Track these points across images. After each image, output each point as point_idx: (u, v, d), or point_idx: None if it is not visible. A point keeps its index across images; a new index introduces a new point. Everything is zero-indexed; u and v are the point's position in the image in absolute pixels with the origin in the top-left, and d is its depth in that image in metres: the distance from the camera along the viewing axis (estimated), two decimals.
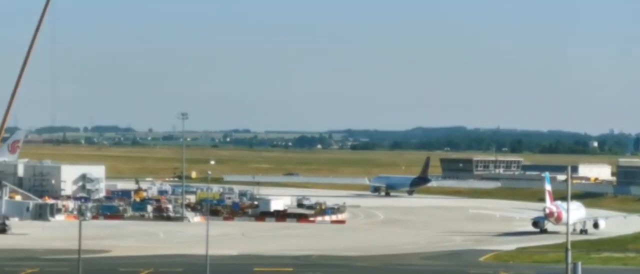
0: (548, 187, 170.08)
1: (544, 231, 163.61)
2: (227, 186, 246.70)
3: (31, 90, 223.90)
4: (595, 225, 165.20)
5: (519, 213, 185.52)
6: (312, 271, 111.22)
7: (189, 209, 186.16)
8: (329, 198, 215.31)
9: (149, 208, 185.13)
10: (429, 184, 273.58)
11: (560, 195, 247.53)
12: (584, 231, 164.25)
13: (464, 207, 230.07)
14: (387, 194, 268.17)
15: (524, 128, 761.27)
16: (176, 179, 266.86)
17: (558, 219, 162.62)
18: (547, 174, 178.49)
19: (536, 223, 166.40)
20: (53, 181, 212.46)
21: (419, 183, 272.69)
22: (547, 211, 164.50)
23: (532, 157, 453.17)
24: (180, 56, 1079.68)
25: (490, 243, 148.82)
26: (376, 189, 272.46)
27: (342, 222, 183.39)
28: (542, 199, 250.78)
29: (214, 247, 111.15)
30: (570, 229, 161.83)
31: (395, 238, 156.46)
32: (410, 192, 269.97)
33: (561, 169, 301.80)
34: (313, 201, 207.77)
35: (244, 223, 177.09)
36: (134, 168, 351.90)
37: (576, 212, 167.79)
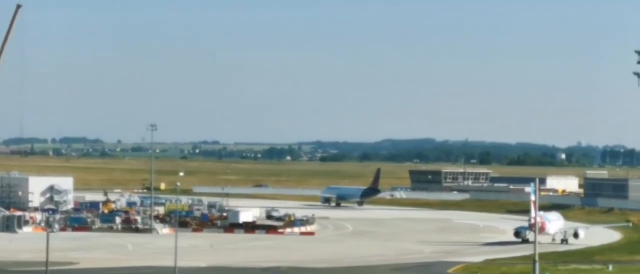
0: (533, 197, 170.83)
1: (525, 241, 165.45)
2: (196, 197, 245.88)
3: None
4: (575, 235, 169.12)
5: (502, 223, 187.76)
6: None
7: (158, 221, 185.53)
8: (282, 209, 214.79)
9: (118, 220, 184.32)
10: (380, 196, 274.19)
11: (527, 206, 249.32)
12: (564, 241, 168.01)
13: (434, 218, 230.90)
14: (338, 205, 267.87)
15: (493, 140, 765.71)
16: (145, 190, 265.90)
17: (541, 230, 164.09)
18: (532, 186, 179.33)
19: (518, 232, 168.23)
20: (20, 193, 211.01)
21: (369, 194, 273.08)
22: (532, 221, 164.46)
23: (500, 169, 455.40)
24: (149, 67, 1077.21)
25: (459, 255, 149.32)
26: (327, 200, 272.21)
27: (311, 234, 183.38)
28: (510, 211, 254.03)
29: (182, 259, 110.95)
30: (551, 239, 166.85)
31: (365, 250, 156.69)
32: (360, 203, 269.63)
33: (529, 181, 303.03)
34: (282, 212, 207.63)
35: (213, 234, 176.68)
36: (102, 180, 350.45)
37: (557, 222, 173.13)
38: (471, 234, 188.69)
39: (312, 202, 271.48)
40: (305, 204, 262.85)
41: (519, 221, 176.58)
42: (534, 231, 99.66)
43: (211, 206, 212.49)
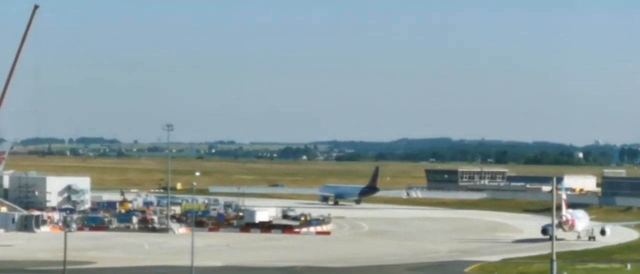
0: (564, 195, 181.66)
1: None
2: (212, 197, 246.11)
3: (17, 102, 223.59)
4: (603, 232, 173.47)
5: (527, 222, 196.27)
6: None
7: (174, 221, 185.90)
8: (280, 208, 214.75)
9: (134, 220, 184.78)
10: (396, 195, 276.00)
11: (545, 206, 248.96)
12: (592, 238, 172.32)
13: (450, 218, 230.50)
14: (336, 203, 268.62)
15: (509, 139, 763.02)
16: (161, 190, 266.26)
17: (571, 227, 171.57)
18: (563, 183, 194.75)
19: (545, 230, 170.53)
20: (38, 193, 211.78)
21: (367, 192, 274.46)
22: (563, 218, 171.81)
23: (517, 168, 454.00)
24: (166, 68, 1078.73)
25: (476, 254, 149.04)
26: (325, 199, 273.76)
27: (327, 233, 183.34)
28: (527, 210, 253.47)
29: (199, 258, 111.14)
30: (577, 237, 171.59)
31: (381, 249, 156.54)
32: (357, 202, 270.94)
33: (546, 180, 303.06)
34: (298, 212, 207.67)
35: (229, 234, 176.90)
36: (119, 180, 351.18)
37: (584, 220, 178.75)
38: (489, 234, 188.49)
39: (311, 200, 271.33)
40: (304, 202, 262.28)
41: (546, 219, 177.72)
42: (552, 230, 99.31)
43: (227, 205, 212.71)
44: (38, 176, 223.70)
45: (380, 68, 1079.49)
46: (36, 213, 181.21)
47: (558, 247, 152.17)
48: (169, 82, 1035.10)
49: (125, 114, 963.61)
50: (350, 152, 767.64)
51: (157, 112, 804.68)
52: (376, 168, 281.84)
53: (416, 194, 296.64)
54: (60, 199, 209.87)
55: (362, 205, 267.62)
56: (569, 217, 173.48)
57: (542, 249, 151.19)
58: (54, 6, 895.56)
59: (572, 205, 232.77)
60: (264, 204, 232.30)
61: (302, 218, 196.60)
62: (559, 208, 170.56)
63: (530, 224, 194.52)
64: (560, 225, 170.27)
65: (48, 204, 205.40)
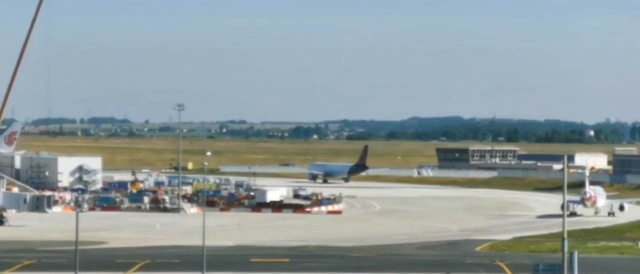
0: (587, 172, 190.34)
1: (573, 214, 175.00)
2: (223, 177, 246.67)
3: (28, 82, 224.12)
4: (621, 208, 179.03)
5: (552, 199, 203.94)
6: (309, 262, 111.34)
7: (186, 201, 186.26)
8: (267, 187, 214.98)
9: (146, 200, 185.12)
10: (407, 174, 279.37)
11: (557, 184, 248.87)
12: (611, 214, 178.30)
13: (460, 197, 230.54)
14: (325, 181, 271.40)
15: (520, 117, 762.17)
16: (173, 170, 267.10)
17: (593, 203, 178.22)
18: (586, 164, 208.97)
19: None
20: (49, 173, 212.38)
21: (356, 171, 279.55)
22: (587, 195, 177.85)
23: (528, 146, 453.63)
24: (176, 47, 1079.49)
25: (487, 233, 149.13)
26: (314, 177, 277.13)
27: (338, 213, 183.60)
28: (538, 189, 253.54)
29: (210, 238, 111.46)
30: (594, 213, 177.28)
31: (392, 228, 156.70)
32: (346, 180, 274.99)
33: (557, 158, 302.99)
34: (309, 191, 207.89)
35: (240, 213, 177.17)
36: (130, 160, 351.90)
37: (602, 197, 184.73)
38: (499, 212, 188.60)
39: (300, 179, 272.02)
40: (292, 181, 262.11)
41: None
42: (563, 211, 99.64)
43: (238, 185, 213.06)
44: (49, 157, 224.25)
45: (391, 47, 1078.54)
46: (48, 193, 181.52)
47: (573, 225, 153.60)
48: (180, 62, 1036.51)
49: (137, 94, 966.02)
50: (361, 132, 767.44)
51: (168, 92, 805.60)
52: (365, 147, 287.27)
53: (427, 173, 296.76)
54: (71, 179, 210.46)
55: (373, 184, 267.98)
56: (592, 193, 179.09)
57: (553, 228, 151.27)
58: None
59: (582, 183, 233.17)
60: (275, 183, 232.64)
61: (314, 198, 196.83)
62: (582, 185, 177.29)
63: (549, 201, 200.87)
64: (583, 202, 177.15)
65: (59, 185, 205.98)
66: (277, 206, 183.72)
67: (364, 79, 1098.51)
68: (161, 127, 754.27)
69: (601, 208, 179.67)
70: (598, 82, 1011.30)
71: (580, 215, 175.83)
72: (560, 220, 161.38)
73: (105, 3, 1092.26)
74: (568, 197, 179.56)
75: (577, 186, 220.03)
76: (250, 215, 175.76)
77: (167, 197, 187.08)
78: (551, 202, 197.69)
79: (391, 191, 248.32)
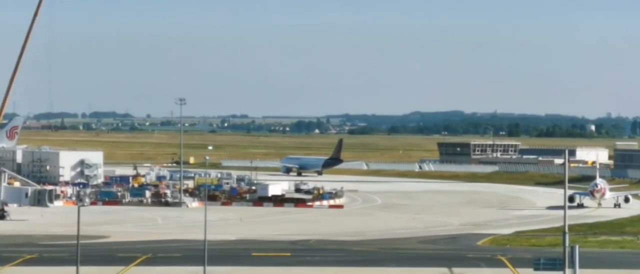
0: (597, 165, 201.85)
1: (580, 206, 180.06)
2: (225, 171, 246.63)
3: (29, 76, 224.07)
4: (626, 199, 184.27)
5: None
6: (310, 256, 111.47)
7: (187, 195, 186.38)
8: (272, 181, 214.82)
9: (147, 194, 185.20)
10: (408, 168, 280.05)
11: (558, 179, 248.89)
12: (617, 205, 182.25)
13: (462, 191, 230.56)
14: (299, 174, 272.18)
15: (522, 112, 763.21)
16: (174, 164, 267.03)
17: (602, 195, 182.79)
18: (597, 158, 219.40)
19: (572, 197, 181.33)
20: (51, 167, 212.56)
21: (331, 164, 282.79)
22: (597, 187, 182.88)
23: (529, 141, 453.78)
24: (178, 42, 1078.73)
25: (488, 227, 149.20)
26: (288, 170, 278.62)
27: (339, 207, 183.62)
28: (539, 183, 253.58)
29: (212, 232, 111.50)
30: (597, 204, 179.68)
31: (393, 222, 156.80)
32: (319, 173, 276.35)
33: (558, 152, 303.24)
34: (311, 185, 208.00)
35: (242, 208, 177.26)
36: (132, 154, 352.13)
37: (607, 189, 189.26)
38: (502, 206, 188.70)
39: (273, 173, 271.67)
40: (266, 174, 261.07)
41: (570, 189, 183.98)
42: (564, 204, 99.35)
43: (240, 179, 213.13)
44: (51, 151, 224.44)
45: (393, 41, 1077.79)
46: (49, 187, 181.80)
47: (578, 219, 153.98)
48: (182, 57, 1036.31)
49: (138, 88, 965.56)
50: (363, 126, 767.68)
51: (169, 86, 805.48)
52: (340, 140, 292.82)
53: (428, 167, 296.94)
54: (73, 173, 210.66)
55: (377, 178, 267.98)
56: (602, 186, 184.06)
57: (554, 222, 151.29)
58: None
59: (584, 178, 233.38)
60: (276, 178, 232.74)
61: (315, 192, 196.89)
62: (583, 179, 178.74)
63: (557, 192, 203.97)
64: (592, 193, 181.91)
65: (61, 179, 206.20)
66: (279, 200, 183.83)
67: (366, 73, 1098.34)
68: (163, 121, 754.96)
69: (607, 199, 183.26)
70: (599, 77, 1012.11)
71: (587, 207, 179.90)
72: (572, 211, 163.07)
73: None
74: (576, 189, 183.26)
75: (578, 180, 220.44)
76: (251, 209, 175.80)
77: (168, 192, 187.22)
78: (559, 192, 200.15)
79: (393, 185, 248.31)
